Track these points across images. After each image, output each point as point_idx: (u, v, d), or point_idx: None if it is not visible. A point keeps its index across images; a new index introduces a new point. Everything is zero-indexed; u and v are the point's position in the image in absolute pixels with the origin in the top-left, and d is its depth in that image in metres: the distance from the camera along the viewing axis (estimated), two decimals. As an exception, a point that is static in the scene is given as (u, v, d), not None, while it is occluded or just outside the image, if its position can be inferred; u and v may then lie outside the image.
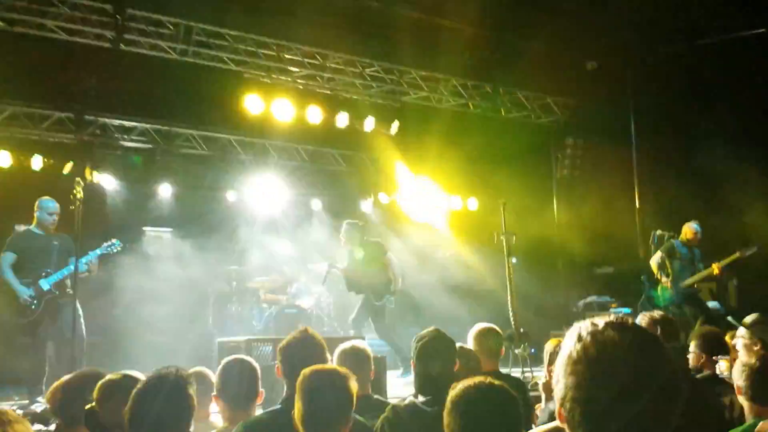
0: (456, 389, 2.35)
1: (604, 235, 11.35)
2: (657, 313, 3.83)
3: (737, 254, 8.24)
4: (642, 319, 3.79)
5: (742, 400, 3.32)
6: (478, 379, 2.38)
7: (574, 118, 12.72)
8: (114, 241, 7.31)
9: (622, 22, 10.01)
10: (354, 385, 2.70)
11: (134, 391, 2.55)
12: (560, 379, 1.30)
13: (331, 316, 10.68)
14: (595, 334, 1.29)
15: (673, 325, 3.73)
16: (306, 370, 2.70)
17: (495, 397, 2.33)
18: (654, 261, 8.83)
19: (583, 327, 1.32)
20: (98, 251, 7.15)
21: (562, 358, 1.31)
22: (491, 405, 2.30)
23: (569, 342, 1.31)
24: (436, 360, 3.30)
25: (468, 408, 2.29)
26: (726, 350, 4.53)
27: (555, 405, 1.33)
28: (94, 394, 2.89)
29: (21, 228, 7.58)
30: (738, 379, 3.31)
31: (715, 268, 8.31)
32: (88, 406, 2.89)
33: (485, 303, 11.18)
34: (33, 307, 6.88)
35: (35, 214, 7.19)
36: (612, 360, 1.25)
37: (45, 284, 6.96)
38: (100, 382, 2.98)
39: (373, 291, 8.79)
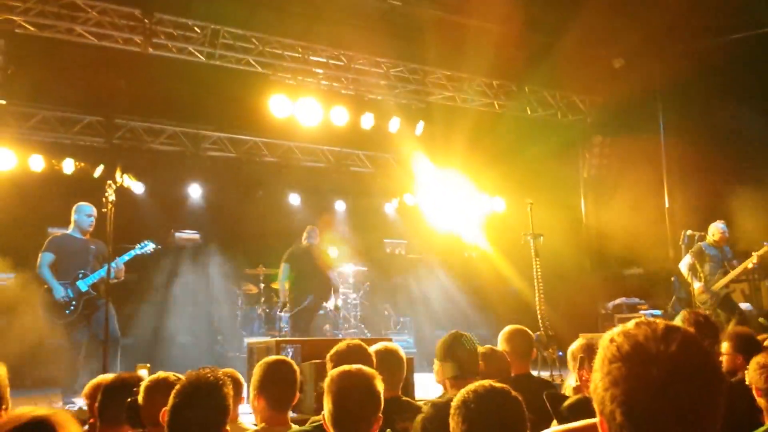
0: (460, 393, 2.35)
1: (634, 235, 11.22)
2: (695, 311, 3.77)
3: (765, 247, 8.14)
4: (680, 318, 3.72)
5: (760, 401, 3.26)
6: (482, 382, 2.38)
7: (601, 116, 12.60)
8: (146, 242, 7.40)
9: (648, 18, 9.88)
10: (381, 385, 2.71)
11: (174, 391, 2.59)
12: (597, 386, 1.26)
13: (358, 317, 10.69)
14: (626, 332, 1.27)
15: (712, 325, 3.66)
16: (333, 372, 2.72)
17: (499, 400, 2.32)
18: (683, 265, 8.71)
19: (614, 330, 1.30)
20: (132, 252, 7.26)
21: (597, 364, 1.28)
22: (495, 408, 2.29)
23: (602, 347, 1.28)
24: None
25: (472, 412, 2.29)
26: (760, 350, 4.45)
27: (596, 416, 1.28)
28: (141, 390, 2.97)
29: (57, 231, 7.69)
30: (755, 381, 3.25)
31: (755, 257, 8.20)
32: (130, 399, 2.97)
33: (513, 304, 11.13)
34: (72, 307, 6.98)
35: (73, 218, 7.30)
36: (647, 354, 1.22)
37: (83, 285, 7.07)
38: (147, 379, 3.07)
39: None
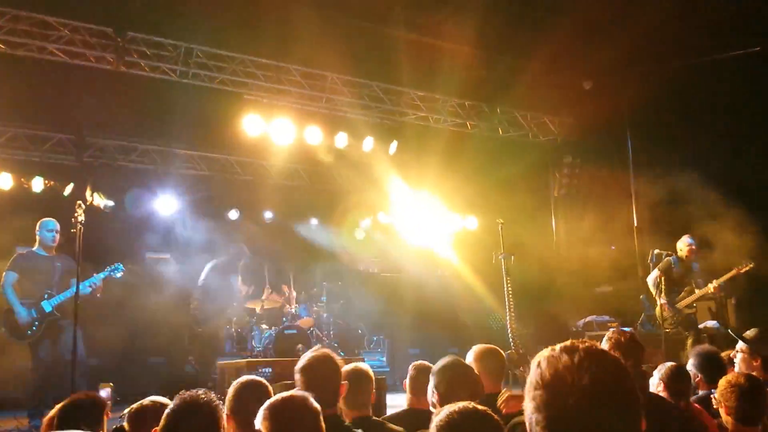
0: (440, 415, 2.36)
1: (603, 253, 11.38)
2: (619, 331, 3.79)
3: (734, 271, 8.25)
4: (606, 337, 3.73)
5: (727, 419, 3.32)
6: (462, 404, 2.39)
7: (571, 136, 12.81)
8: (117, 264, 7.34)
9: (617, 41, 10.09)
10: (316, 405, 2.69)
11: (168, 412, 2.60)
12: (526, 405, 1.35)
13: (331, 336, 10.66)
14: (549, 359, 1.34)
15: (636, 345, 3.67)
16: (271, 401, 2.68)
17: (479, 422, 2.33)
18: (650, 279, 8.80)
19: (542, 355, 1.38)
20: (102, 275, 7.18)
21: (527, 387, 1.36)
22: (475, 430, 2.32)
23: (532, 370, 1.37)
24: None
25: None
26: (723, 368, 4.53)
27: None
28: (126, 419, 2.98)
29: (23, 250, 7.60)
30: (725, 399, 3.31)
31: (711, 287, 8.31)
32: (115, 427, 2.98)
33: (485, 323, 11.20)
34: (34, 328, 6.89)
35: (37, 235, 7.22)
36: (564, 384, 1.29)
37: (47, 306, 6.98)
38: (132, 408, 3.08)
39: None
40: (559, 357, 1.33)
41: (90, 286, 6.94)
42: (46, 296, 7.00)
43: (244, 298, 10.15)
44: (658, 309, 8.56)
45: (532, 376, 1.35)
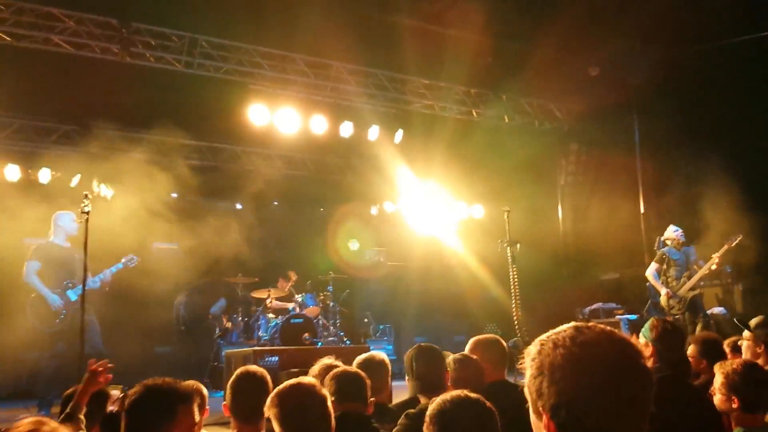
0: (434, 403, 2.37)
1: (610, 240, 11.36)
2: (662, 319, 3.83)
3: (725, 247, 8.31)
4: (647, 325, 3.78)
5: (729, 407, 3.32)
6: (455, 392, 2.41)
7: (577, 124, 12.76)
8: (132, 256, 7.38)
9: (623, 27, 10.04)
10: (324, 391, 2.70)
11: (128, 402, 2.56)
12: (546, 390, 1.32)
13: (337, 325, 10.70)
14: (572, 337, 1.34)
15: (678, 331, 3.74)
16: (281, 388, 2.68)
17: (472, 410, 2.34)
18: (649, 272, 8.85)
19: (552, 337, 1.37)
20: (119, 265, 7.23)
21: (542, 368, 1.34)
22: (468, 418, 2.32)
23: (545, 352, 1.35)
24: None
25: (445, 422, 2.32)
26: (724, 356, 4.55)
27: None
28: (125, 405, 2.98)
29: (40, 241, 7.61)
30: (728, 386, 3.32)
31: (715, 257, 8.35)
32: (108, 410, 2.96)
33: (491, 311, 11.21)
34: (62, 316, 6.91)
35: (58, 225, 7.21)
36: (595, 354, 1.31)
37: (72, 295, 7.02)
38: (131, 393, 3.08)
39: None
40: (580, 335, 1.34)
41: (99, 280, 6.99)
42: (70, 286, 7.04)
43: (221, 329, 10.17)
44: (662, 298, 8.59)
45: (553, 356, 1.33)
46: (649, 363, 3.31)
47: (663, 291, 8.56)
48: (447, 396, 2.41)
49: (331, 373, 3.53)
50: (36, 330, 6.97)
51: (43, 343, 7.02)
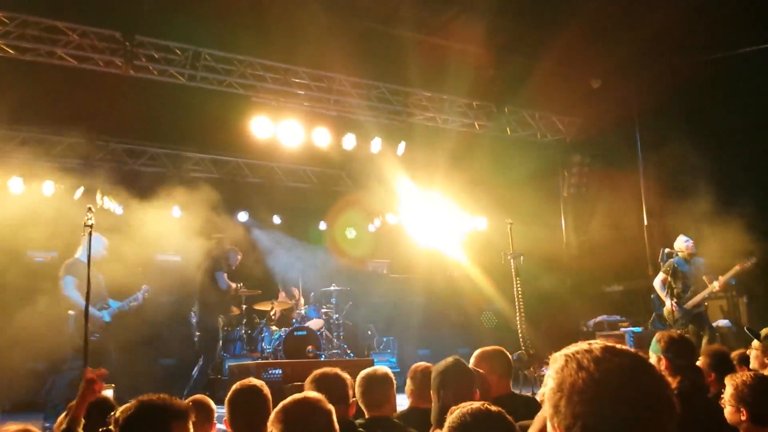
0: (453, 415, 2.35)
1: (613, 253, 11.33)
2: (669, 333, 3.82)
3: (737, 267, 8.22)
4: (656, 338, 3.77)
5: (737, 419, 3.29)
6: (475, 404, 2.39)
7: (580, 136, 12.76)
8: (142, 291, 7.42)
9: (625, 40, 10.06)
10: (329, 405, 2.67)
11: (122, 418, 2.51)
12: (562, 409, 1.32)
13: (341, 337, 10.67)
14: (597, 361, 1.32)
15: (688, 343, 3.73)
16: (286, 403, 2.65)
17: (492, 422, 2.33)
18: (657, 283, 8.76)
19: (579, 355, 1.35)
20: (129, 303, 7.27)
21: (563, 386, 1.33)
22: (488, 431, 2.31)
23: (567, 370, 1.33)
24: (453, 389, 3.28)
25: None
26: (733, 368, 4.53)
27: None
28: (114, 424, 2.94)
29: (71, 259, 7.53)
30: (737, 398, 3.29)
31: (716, 285, 8.27)
32: (102, 429, 2.92)
33: (495, 323, 11.17)
34: (97, 335, 6.88)
35: (88, 245, 7.14)
36: (618, 386, 1.29)
37: (107, 316, 7.04)
38: (119, 411, 3.04)
39: None
40: (605, 358, 1.32)
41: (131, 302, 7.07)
42: (105, 306, 7.07)
43: (234, 293, 10.06)
44: (666, 309, 8.51)
45: (575, 377, 1.32)
46: (666, 375, 3.31)
47: (668, 303, 8.50)
48: (467, 408, 2.38)
49: (310, 376, 3.51)
50: (68, 342, 6.91)
51: (65, 355, 6.98)
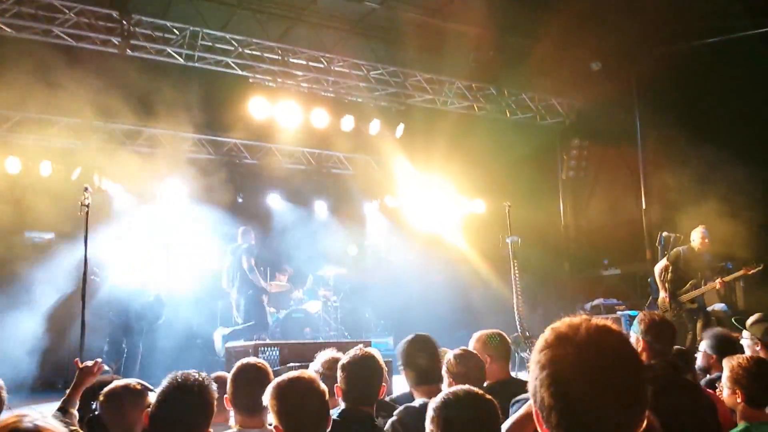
0: (437, 398, 2.39)
1: (611, 236, 11.34)
2: (650, 312, 3.82)
3: (742, 271, 8.20)
4: (637, 319, 3.77)
5: (735, 402, 3.31)
6: (459, 387, 2.42)
7: (579, 119, 12.72)
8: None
9: (624, 23, 10.00)
10: (323, 386, 2.74)
11: (160, 391, 2.66)
12: (531, 377, 1.35)
13: (338, 320, 10.69)
14: (553, 327, 1.37)
15: (671, 329, 3.72)
16: (279, 380, 2.73)
17: (476, 405, 2.36)
18: (657, 268, 8.70)
19: (548, 333, 1.38)
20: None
21: (532, 357, 1.37)
22: (472, 413, 2.33)
23: (539, 347, 1.37)
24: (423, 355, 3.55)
25: (449, 417, 2.32)
26: (735, 351, 4.53)
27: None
28: (99, 403, 3.00)
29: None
30: (735, 382, 3.31)
31: (718, 283, 8.23)
32: (91, 414, 3.00)
33: (493, 306, 11.19)
34: None
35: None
36: (566, 338, 1.33)
37: None
38: (104, 390, 3.08)
39: None
40: (560, 324, 1.37)
41: None
42: None
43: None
44: (660, 299, 8.50)
45: (537, 345, 1.37)
46: (643, 357, 3.33)
47: (662, 293, 8.46)
48: (451, 390, 2.42)
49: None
50: None
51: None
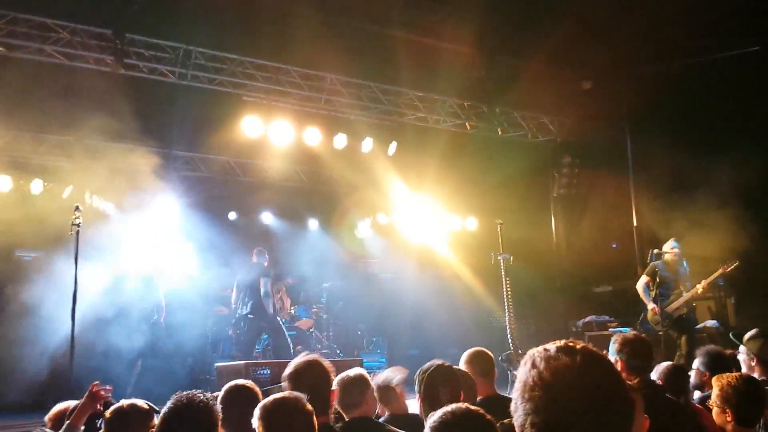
0: (434, 416, 2.37)
1: (603, 253, 11.36)
2: (626, 335, 3.83)
3: (719, 270, 8.27)
4: (613, 339, 3.79)
5: (725, 421, 3.31)
6: (455, 405, 2.40)
7: (570, 137, 12.79)
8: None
9: (615, 41, 10.09)
10: (309, 406, 2.74)
11: (164, 412, 2.66)
12: (518, 406, 1.36)
13: (330, 337, 10.66)
14: (548, 359, 1.35)
15: (646, 346, 3.73)
16: (266, 402, 2.74)
17: (472, 423, 2.34)
18: (639, 285, 8.79)
19: (536, 354, 1.39)
20: None
21: (519, 384, 1.38)
22: (468, 430, 2.32)
23: (524, 369, 1.37)
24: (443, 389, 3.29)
25: None
26: (728, 368, 4.54)
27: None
28: (104, 423, 3.00)
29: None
30: (725, 400, 3.31)
31: (700, 287, 8.31)
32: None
33: (484, 323, 11.18)
34: None
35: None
36: (565, 384, 1.32)
37: None
38: (111, 408, 3.08)
39: None
40: (556, 357, 1.35)
41: None
42: None
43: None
44: (649, 313, 8.56)
45: (526, 377, 1.36)
46: (624, 376, 3.33)
47: (650, 306, 8.54)
48: (449, 408, 2.40)
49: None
50: None
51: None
